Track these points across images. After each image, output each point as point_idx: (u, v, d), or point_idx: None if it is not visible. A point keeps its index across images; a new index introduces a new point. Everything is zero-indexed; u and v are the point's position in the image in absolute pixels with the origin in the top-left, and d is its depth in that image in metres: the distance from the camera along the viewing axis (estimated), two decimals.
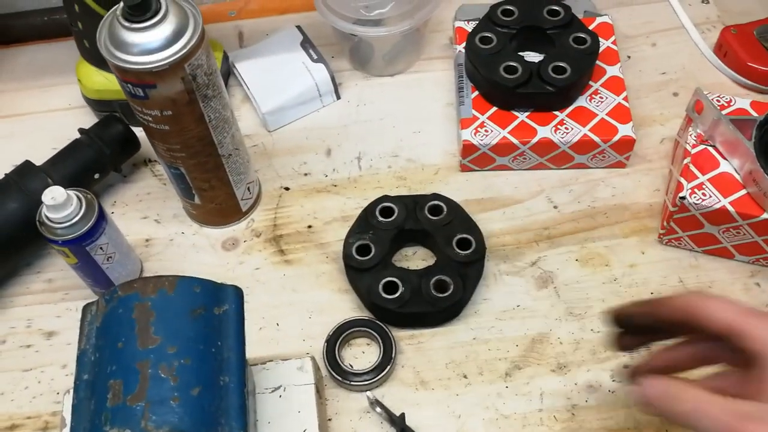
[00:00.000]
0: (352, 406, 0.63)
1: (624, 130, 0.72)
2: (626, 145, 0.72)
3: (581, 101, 0.74)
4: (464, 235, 0.68)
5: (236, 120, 0.67)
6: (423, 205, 0.70)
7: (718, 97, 0.70)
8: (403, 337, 0.67)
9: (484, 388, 0.63)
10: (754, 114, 0.68)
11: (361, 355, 0.66)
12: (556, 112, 0.74)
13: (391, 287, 0.65)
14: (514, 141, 0.72)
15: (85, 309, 0.52)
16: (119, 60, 0.55)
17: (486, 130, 0.73)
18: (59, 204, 0.59)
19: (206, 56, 0.58)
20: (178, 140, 0.61)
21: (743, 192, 0.64)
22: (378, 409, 0.61)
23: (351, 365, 0.65)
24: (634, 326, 0.52)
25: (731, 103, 0.69)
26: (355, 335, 0.66)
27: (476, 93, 0.76)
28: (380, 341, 0.65)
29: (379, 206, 0.70)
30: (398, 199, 0.70)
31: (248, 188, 0.72)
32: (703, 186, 0.64)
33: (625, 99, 0.74)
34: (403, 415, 0.60)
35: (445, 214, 0.69)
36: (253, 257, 0.72)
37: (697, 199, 0.64)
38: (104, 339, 0.49)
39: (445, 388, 0.64)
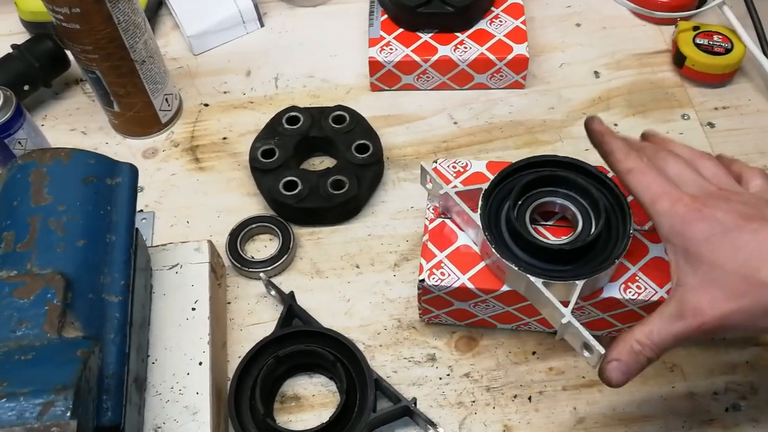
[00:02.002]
0: (250, 292, 0.68)
1: (519, 49, 0.77)
2: (521, 64, 0.77)
3: (482, 24, 0.79)
4: (363, 141, 0.73)
5: (149, 29, 0.72)
6: (328, 114, 0.75)
7: (454, 163, 0.65)
8: (304, 233, 0.72)
9: (374, 276, 0.69)
10: (489, 175, 0.63)
11: (263, 248, 0.71)
12: (458, 34, 0.79)
13: (290, 185, 0.70)
14: (417, 59, 0.77)
15: None
16: None
17: (391, 48, 0.78)
18: None
19: None
20: (89, 41, 0.66)
21: (482, 265, 0.59)
22: (272, 292, 0.66)
23: (252, 257, 0.70)
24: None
25: (467, 168, 0.65)
26: (257, 230, 0.71)
27: (385, 16, 0.81)
28: (280, 234, 0.70)
29: (286, 115, 0.75)
30: (305, 110, 0.75)
31: (166, 100, 0.76)
32: (442, 264, 0.59)
33: (523, 23, 0.79)
34: (291, 293, 0.65)
35: (347, 122, 0.74)
36: (170, 165, 0.77)
37: (437, 281, 0.59)
38: (3, 200, 0.54)
39: (338, 276, 0.69)
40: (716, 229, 0.46)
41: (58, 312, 0.48)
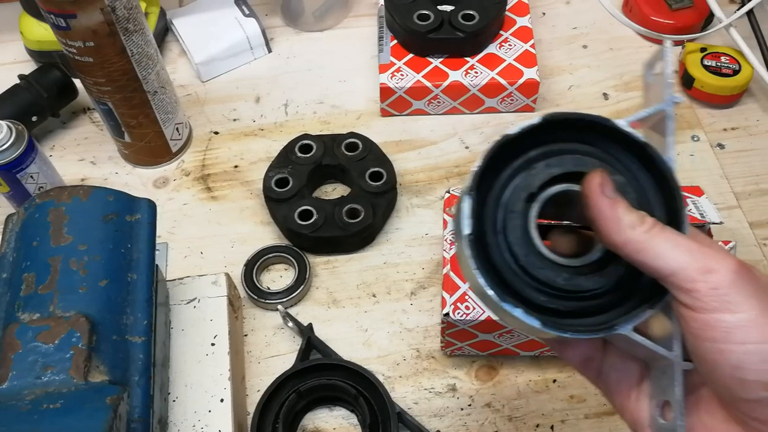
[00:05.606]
0: (267, 323, 0.68)
1: (529, 73, 0.77)
2: (531, 88, 0.77)
3: (491, 48, 0.79)
4: (377, 169, 0.72)
5: (161, 59, 0.71)
6: (340, 142, 0.74)
7: None
8: (319, 263, 0.71)
9: (391, 305, 0.68)
10: None
11: (279, 279, 0.71)
12: (468, 58, 0.79)
13: (306, 215, 0.70)
14: (428, 84, 0.77)
15: (8, 218, 0.57)
16: None
17: (402, 74, 0.78)
18: None
19: None
20: (102, 73, 0.66)
21: None
22: (290, 323, 0.66)
23: (268, 287, 0.69)
24: None
25: None
26: (273, 260, 0.71)
27: (395, 42, 0.81)
28: (296, 264, 0.69)
29: (299, 143, 0.74)
30: (318, 138, 0.75)
31: (177, 129, 0.76)
32: (466, 297, 0.58)
33: (532, 46, 0.79)
34: (310, 325, 0.65)
35: (360, 150, 0.74)
36: (182, 194, 0.76)
37: (462, 315, 0.58)
38: (22, 241, 0.54)
39: (355, 306, 0.68)
40: None
41: (84, 356, 0.47)
